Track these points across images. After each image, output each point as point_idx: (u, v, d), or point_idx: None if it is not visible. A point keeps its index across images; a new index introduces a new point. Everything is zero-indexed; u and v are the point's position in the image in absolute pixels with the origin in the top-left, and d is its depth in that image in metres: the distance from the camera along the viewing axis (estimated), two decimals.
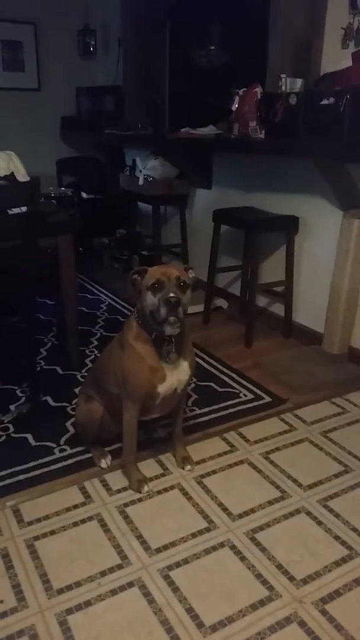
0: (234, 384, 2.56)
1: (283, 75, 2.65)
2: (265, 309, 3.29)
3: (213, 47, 3.76)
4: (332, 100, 2.29)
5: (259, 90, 2.73)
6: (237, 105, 2.84)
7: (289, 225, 2.92)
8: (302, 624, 1.37)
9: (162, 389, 1.74)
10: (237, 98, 2.84)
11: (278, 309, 3.17)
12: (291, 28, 2.81)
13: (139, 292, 1.68)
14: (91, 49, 4.62)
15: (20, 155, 2.47)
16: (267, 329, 3.15)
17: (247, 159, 3.17)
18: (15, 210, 2.01)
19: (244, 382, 2.58)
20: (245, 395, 2.46)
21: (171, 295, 1.58)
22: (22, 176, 2.34)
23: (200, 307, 3.34)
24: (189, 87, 4.12)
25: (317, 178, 2.67)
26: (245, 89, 2.81)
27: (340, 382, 2.56)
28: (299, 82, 2.62)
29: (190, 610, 1.41)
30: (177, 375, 1.75)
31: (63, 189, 3.96)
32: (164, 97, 4.28)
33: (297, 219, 2.91)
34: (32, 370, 2.25)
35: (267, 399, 2.43)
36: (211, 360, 2.80)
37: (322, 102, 2.34)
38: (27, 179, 2.20)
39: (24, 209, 1.97)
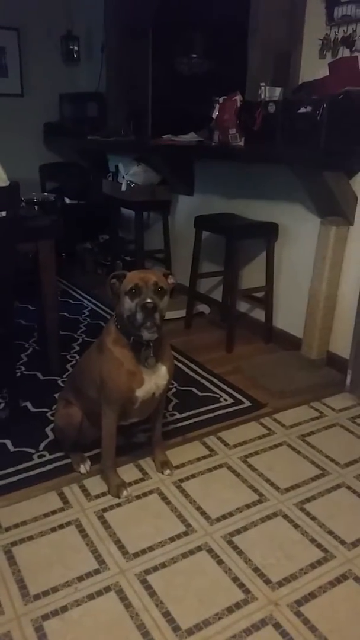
0: (215, 389, 2.58)
1: (262, 84, 2.69)
2: (246, 315, 3.32)
3: (195, 55, 3.81)
4: (309, 108, 2.33)
5: (238, 98, 2.77)
6: (217, 113, 2.87)
7: (269, 232, 2.96)
8: (277, 626, 1.39)
9: (141, 393, 1.75)
10: (217, 106, 2.87)
11: (259, 314, 3.20)
12: (271, 38, 2.86)
13: (117, 296, 1.70)
14: (74, 55, 4.63)
15: (2, 161, 2.47)
16: (248, 334, 3.18)
17: (228, 166, 3.21)
18: None
19: (225, 387, 2.60)
20: (225, 400, 2.48)
21: (148, 301, 1.60)
22: (3, 182, 2.34)
23: (182, 313, 3.36)
24: (171, 94, 4.15)
25: (296, 186, 2.71)
26: (225, 97, 2.84)
27: (319, 387, 2.59)
28: (277, 91, 2.66)
29: (166, 614, 1.42)
30: (155, 380, 1.76)
31: (46, 194, 3.95)
32: (147, 104, 4.31)
33: (276, 225, 2.95)
34: (12, 376, 2.25)
35: (247, 403, 2.45)
36: (192, 365, 2.82)
37: (300, 111, 2.38)
38: (8, 184, 2.21)
39: (3, 213, 1.97)
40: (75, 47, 4.62)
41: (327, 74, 2.50)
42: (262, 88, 2.70)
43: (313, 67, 2.66)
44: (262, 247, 3.03)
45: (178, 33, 3.95)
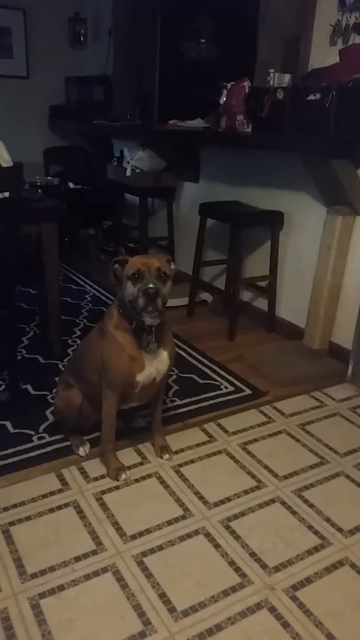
0: (215, 376, 2.58)
1: (271, 70, 2.66)
2: (249, 304, 3.31)
3: (203, 40, 3.77)
4: (318, 96, 2.31)
5: (247, 84, 2.74)
6: (225, 99, 2.85)
7: (274, 220, 2.94)
8: (272, 609, 1.39)
9: (141, 378, 1.75)
10: (225, 91, 2.84)
11: (262, 303, 3.19)
12: (280, 24, 2.82)
13: (119, 281, 1.69)
14: (81, 38, 4.59)
15: (6, 143, 2.45)
16: (250, 323, 3.17)
17: (235, 153, 3.18)
18: None
19: (225, 375, 2.59)
20: (226, 388, 2.48)
21: (150, 286, 1.59)
22: (5, 163, 2.33)
23: (184, 300, 3.36)
24: (179, 79, 4.11)
25: (302, 174, 2.69)
26: (233, 82, 2.81)
27: (320, 377, 2.59)
28: (286, 78, 2.63)
29: (162, 596, 1.42)
30: (156, 365, 1.76)
31: (50, 178, 3.94)
32: (154, 89, 4.27)
33: (282, 214, 2.93)
34: (12, 358, 2.24)
35: (248, 391, 2.45)
36: (194, 353, 2.81)
37: (309, 98, 2.35)
38: (11, 164, 2.19)
39: (6, 194, 1.96)
40: (82, 30, 4.58)
41: (338, 60, 2.47)
42: (271, 74, 2.66)
43: (323, 54, 2.62)
44: (266, 236, 3.02)
45: (186, 17, 3.91)
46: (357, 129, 2.30)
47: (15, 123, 4.38)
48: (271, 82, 2.64)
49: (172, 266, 1.74)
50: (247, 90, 2.73)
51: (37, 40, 4.45)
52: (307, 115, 2.38)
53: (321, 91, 2.30)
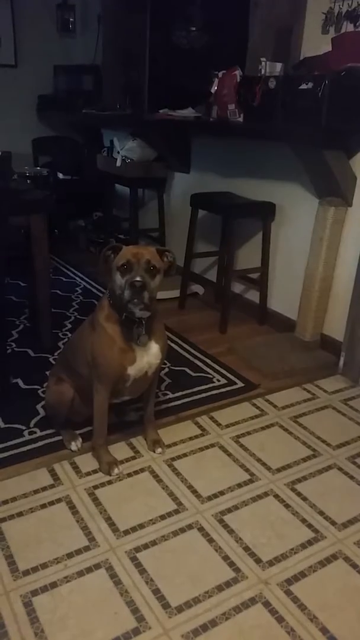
0: (208, 369, 2.56)
1: (263, 59, 2.63)
2: (241, 296, 3.29)
3: (194, 28, 3.71)
4: (310, 85, 2.28)
5: (238, 73, 2.70)
6: (216, 88, 2.81)
7: (266, 212, 2.91)
8: (267, 604, 1.39)
9: (132, 371, 1.73)
10: (216, 80, 2.81)
11: (253, 295, 3.18)
12: (272, 12, 2.79)
13: (110, 270, 1.66)
14: (70, 26, 4.50)
15: None
16: (242, 316, 3.15)
17: (226, 143, 3.15)
18: None
19: (218, 368, 2.58)
20: (218, 380, 2.46)
21: (137, 279, 1.56)
22: None
23: (176, 293, 3.33)
24: (169, 68, 4.06)
25: (294, 164, 2.67)
26: (224, 71, 2.78)
27: (311, 369, 2.58)
28: (278, 66, 2.60)
29: (156, 592, 1.41)
30: (147, 358, 1.74)
31: (38, 168, 3.88)
32: (144, 78, 4.21)
33: (274, 205, 2.91)
34: (2, 352, 2.21)
35: (240, 384, 2.44)
36: (185, 346, 2.79)
37: (301, 87, 2.32)
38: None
39: None
40: (71, 18, 4.49)
41: (330, 49, 2.44)
42: (263, 63, 2.63)
43: (315, 42, 2.59)
44: (258, 227, 3.00)
45: (177, 5, 3.85)
46: (350, 118, 2.28)
47: (3, 113, 4.31)
48: (263, 71, 2.62)
49: (170, 258, 1.71)
50: (238, 80, 2.70)
51: (25, 28, 4.36)
52: (299, 105, 2.35)
53: (313, 80, 2.27)
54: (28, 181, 2.88)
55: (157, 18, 4.11)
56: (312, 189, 2.67)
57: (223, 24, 3.51)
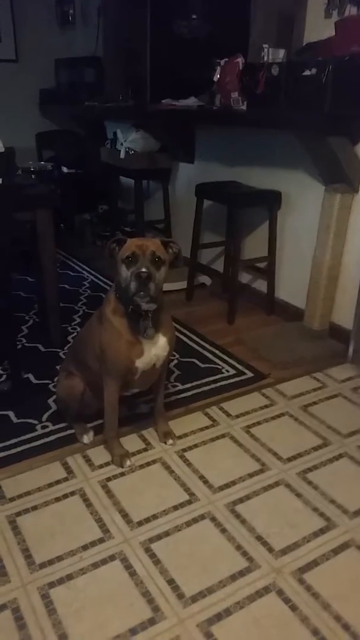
0: (216, 360, 2.57)
1: (265, 45, 2.60)
2: (248, 286, 3.29)
3: (195, 17, 3.67)
4: (314, 71, 2.25)
5: (240, 60, 2.68)
6: (218, 76, 2.79)
7: (272, 200, 2.90)
8: (280, 592, 1.40)
9: (140, 364, 1.73)
10: (218, 69, 2.78)
11: (261, 285, 3.17)
12: None
13: (115, 263, 1.66)
14: (70, 18, 4.47)
15: None
16: (250, 306, 3.15)
17: (230, 132, 3.13)
18: None
19: (226, 358, 2.58)
20: (227, 371, 2.47)
21: (142, 270, 1.56)
22: None
23: (183, 284, 3.33)
24: (171, 57, 4.01)
25: (299, 152, 2.64)
26: (226, 59, 2.75)
27: (321, 358, 2.58)
28: (281, 53, 2.57)
29: (171, 582, 1.43)
30: (155, 351, 1.74)
31: (42, 163, 3.87)
32: (145, 68, 4.16)
33: (280, 193, 2.89)
34: (12, 348, 2.23)
35: (249, 374, 2.44)
36: (194, 337, 2.80)
37: (305, 73, 2.29)
38: (3, 150, 2.15)
39: None
40: (71, 10, 4.46)
41: (333, 34, 2.40)
42: (265, 50, 2.60)
43: (318, 27, 2.55)
44: (264, 216, 2.98)
45: None
46: (354, 104, 2.25)
47: (5, 108, 4.30)
48: (265, 58, 2.59)
49: (174, 249, 1.71)
50: (241, 67, 2.67)
51: (25, 22, 4.34)
52: (303, 91, 2.32)
53: (317, 66, 2.24)
54: (32, 176, 2.87)
55: (158, 7, 4.06)
56: (317, 176, 2.65)
57: (224, 12, 3.46)
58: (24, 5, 4.30)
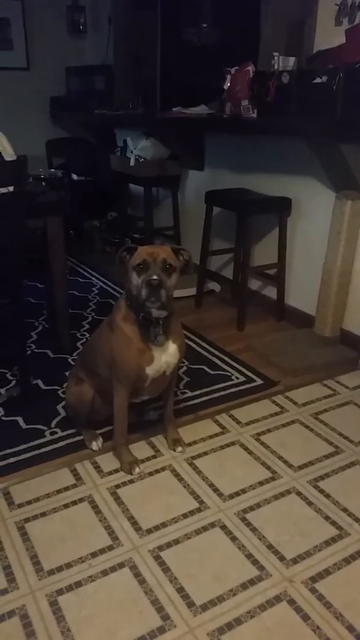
0: (226, 367, 2.56)
1: (275, 54, 2.60)
2: (258, 292, 3.28)
3: (205, 25, 3.69)
4: (325, 78, 2.25)
5: (251, 68, 2.68)
6: (229, 84, 2.80)
7: (282, 207, 2.89)
8: (292, 602, 1.38)
9: (151, 371, 1.73)
10: (229, 77, 2.79)
11: (271, 291, 3.16)
12: (284, 5, 2.77)
13: (126, 270, 1.66)
14: (81, 27, 4.52)
15: (8, 136, 2.42)
16: (259, 312, 3.14)
17: (240, 139, 3.13)
18: (2, 190, 1.97)
19: (236, 365, 2.57)
20: (237, 378, 2.46)
21: (154, 277, 1.56)
22: (9, 156, 2.29)
23: (192, 291, 3.33)
24: (181, 65, 4.04)
25: (310, 159, 2.64)
26: (237, 67, 2.76)
27: (332, 364, 2.56)
28: (291, 61, 2.57)
29: (180, 590, 1.42)
30: (165, 358, 1.74)
31: (53, 170, 3.89)
32: (155, 76, 4.20)
33: (289, 200, 2.88)
34: (22, 354, 2.23)
35: (259, 381, 2.43)
36: (203, 344, 2.79)
37: (315, 81, 2.30)
38: (15, 158, 2.16)
39: (10, 188, 1.93)
40: (82, 19, 4.51)
41: (344, 41, 2.41)
42: (275, 58, 2.61)
43: (329, 35, 2.56)
44: (274, 223, 2.98)
45: (187, 2, 3.83)
46: None
47: (16, 115, 4.33)
48: (276, 66, 2.59)
49: (185, 257, 1.71)
50: (251, 75, 2.68)
51: (36, 30, 4.39)
52: (313, 99, 2.33)
53: (327, 73, 2.25)
54: (43, 183, 2.89)
55: (168, 16, 4.09)
56: (328, 182, 2.64)
57: (234, 20, 3.48)
58: (35, 14, 4.35)
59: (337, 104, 2.22)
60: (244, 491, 1.77)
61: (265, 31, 2.89)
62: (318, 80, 2.29)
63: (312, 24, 2.67)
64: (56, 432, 2.04)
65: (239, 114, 2.75)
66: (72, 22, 4.50)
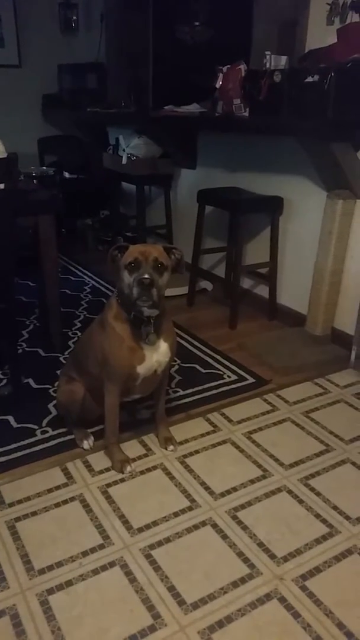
0: (218, 366, 2.56)
1: (267, 52, 2.60)
2: (250, 291, 3.28)
3: (197, 23, 3.69)
4: (316, 77, 2.26)
5: (243, 67, 2.68)
6: (221, 83, 2.79)
7: (274, 206, 2.90)
8: (282, 600, 1.39)
9: (142, 369, 1.73)
10: (221, 75, 2.78)
11: (262, 290, 3.17)
12: (276, 4, 2.78)
13: (117, 269, 1.66)
14: (73, 24, 4.49)
15: (0, 134, 2.41)
16: (251, 311, 3.14)
17: (232, 138, 3.13)
18: None
19: (228, 364, 2.57)
20: (228, 377, 2.46)
21: (145, 276, 1.56)
22: (0, 154, 2.28)
23: (184, 289, 3.33)
24: (173, 63, 4.04)
25: (302, 158, 2.65)
26: (229, 66, 2.76)
27: (323, 363, 2.57)
28: (283, 60, 2.57)
29: (171, 589, 1.42)
30: (156, 357, 1.74)
31: (45, 168, 3.88)
32: (148, 74, 4.19)
33: (281, 199, 2.89)
34: (13, 353, 2.22)
35: (251, 380, 2.43)
36: (195, 342, 2.79)
37: (307, 80, 2.30)
38: (5, 155, 2.15)
39: (1, 186, 1.92)
40: (74, 16, 4.48)
41: (335, 41, 2.42)
42: (267, 57, 2.60)
43: (320, 34, 2.57)
44: (266, 222, 2.98)
45: (180, 0, 3.83)
46: (357, 110, 2.26)
47: (8, 113, 4.30)
48: (268, 65, 2.59)
49: (177, 255, 1.71)
50: (243, 74, 2.68)
51: (28, 27, 4.35)
52: (305, 98, 2.33)
53: (319, 72, 2.25)
54: (34, 181, 2.88)
55: (160, 14, 4.08)
56: (319, 182, 2.65)
57: (226, 18, 3.49)
58: (27, 12, 4.32)
59: (328, 103, 2.22)
60: (235, 489, 1.77)
61: (258, 30, 2.90)
62: (310, 79, 2.29)
63: (304, 24, 2.67)
64: (47, 431, 2.04)
65: (231, 112, 2.75)
66: (65, 19, 4.47)
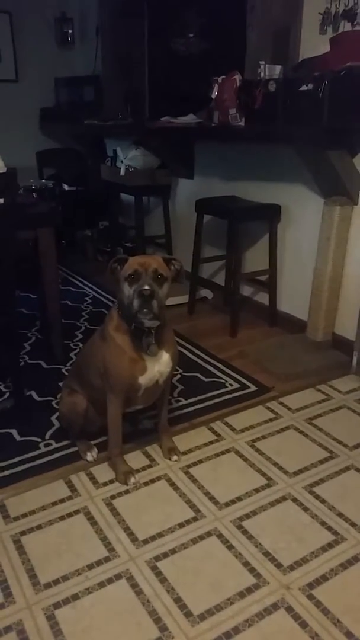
0: (220, 374, 2.56)
1: (262, 62, 2.63)
2: (250, 299, 3.29)
3: (192, 35, 3.73)
4: (311, 86, 2.28)
5: (237, 77, 2.71)
6: (216, 93, 2.82)
7: (272, 214, 2.91)
8: (290, 609, 1.38)
9: (143, 380, 1.73)
10: (216, 86, 2.81)
11: (262, 297, 3.17)
12: (269, 14, 2.79)
13: (117, 281, 1.67)
14: (69, 38, 4.55)
15: None
16: (252, 318, 3.15)
17: (229, 147, 3.16)
18: None
19: (230, 372, 2.58)
20: (230, 385, 2.46)
21: (145, 287, 1.57)
22: (0, 169, 2.30)
23: (184, 298, 3.34)
24: (169, 75, 4.07)
25: (298, 165, 2.67)
26: (224, 76, 2.78)
27: (325, 369, 2.57)
28: (277, 69, 2.60)
29: (178, 600, 1.41)
30: (158, 368, 1.74)
31: (44, 181, 3.91)
32: (144, 86, 4.24)
33: (279, 207, 2.90)
34: (15, 365, 2.23)
35: (253, 387, 2.43)
36: (196, 351, 2.79)
37: (301, 89, 2.32)
38: (5, 170, 2.17)
39: (1, 200, 1.93)
40: (70, 30, 4.54)
41: (329, 49, 2.44)
42: (262, 66, 2.63)
43: (314, 43, 2.59)
44: (264, 230, 2.99)
45: (174, 12, 3.86)
46: (352, 117, 2.27)
47: (6, 127, 4.35)
48: (262, 74, 2.62)
49: (177, 266, 1.72)
50: (238, 84, 2.70)
51: (24, 42, 4.41)
52: (300, 106, 2.35)
53: (313, 81, 2.27)
54: (34, 194, 2.90)
55: (155, 26, 4.13)
56: (317, 189, 2.67)
57: (220, 29, 3.52)
58: (23, 26, 4.37)
59: (323, 110, 2.24)
60: (239, 499, 1.77)
61: (251, 40, 2.92)
62: (304, 88, 2.31)
63: (297, 33, 2.70)
64: (50, 444, 2.04)
65: (227, 122, 2.77)
66: (61, 33, 4.53)
